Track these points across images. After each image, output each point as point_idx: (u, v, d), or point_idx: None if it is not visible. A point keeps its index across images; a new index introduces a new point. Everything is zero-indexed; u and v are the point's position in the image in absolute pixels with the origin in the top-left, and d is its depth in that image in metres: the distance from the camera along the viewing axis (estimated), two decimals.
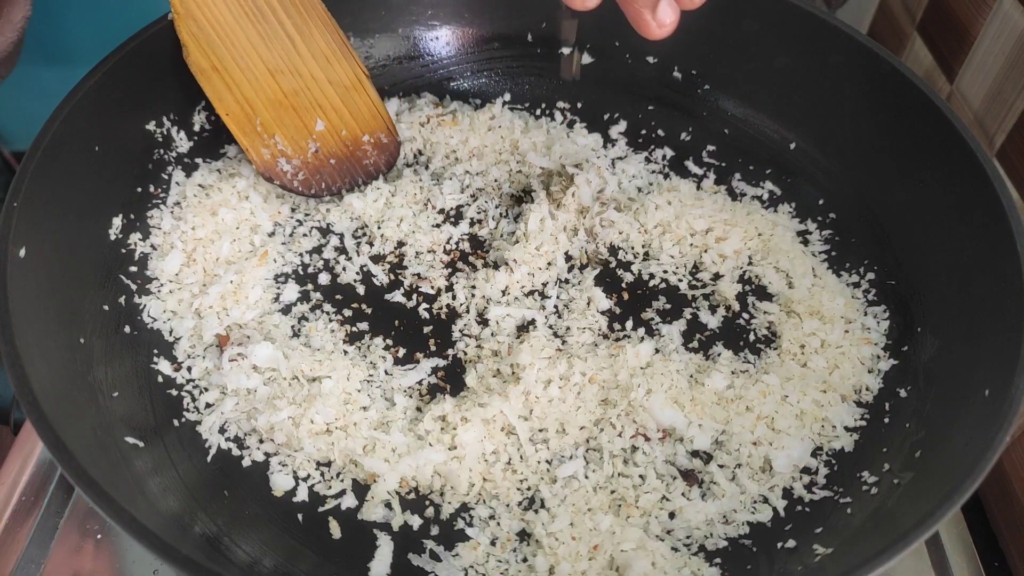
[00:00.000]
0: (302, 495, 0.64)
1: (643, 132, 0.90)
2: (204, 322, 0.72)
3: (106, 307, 0.70)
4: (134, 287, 0.73)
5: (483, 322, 0.75)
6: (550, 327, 0.74)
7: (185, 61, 0.73)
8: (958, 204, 0.71)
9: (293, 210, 0.82)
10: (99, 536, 0.67)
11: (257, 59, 0.75)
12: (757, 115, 0.89)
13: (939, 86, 0.89)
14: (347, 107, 0.80)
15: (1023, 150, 0.75)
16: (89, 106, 0.70)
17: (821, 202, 0.84)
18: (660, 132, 0.90)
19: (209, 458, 0.66)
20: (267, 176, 0.77)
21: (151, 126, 0.77)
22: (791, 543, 0.62)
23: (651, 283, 0.78)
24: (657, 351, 0.71)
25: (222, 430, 0.67)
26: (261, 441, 0.67)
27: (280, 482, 0.65)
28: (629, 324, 0.75)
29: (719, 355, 0.73)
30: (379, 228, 0.81)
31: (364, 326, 0.74)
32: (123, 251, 0.74)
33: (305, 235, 0.80)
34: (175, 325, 0.72)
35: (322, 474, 0.66)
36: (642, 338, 0.73)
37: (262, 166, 0.77)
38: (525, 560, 0.62)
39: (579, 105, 0.92)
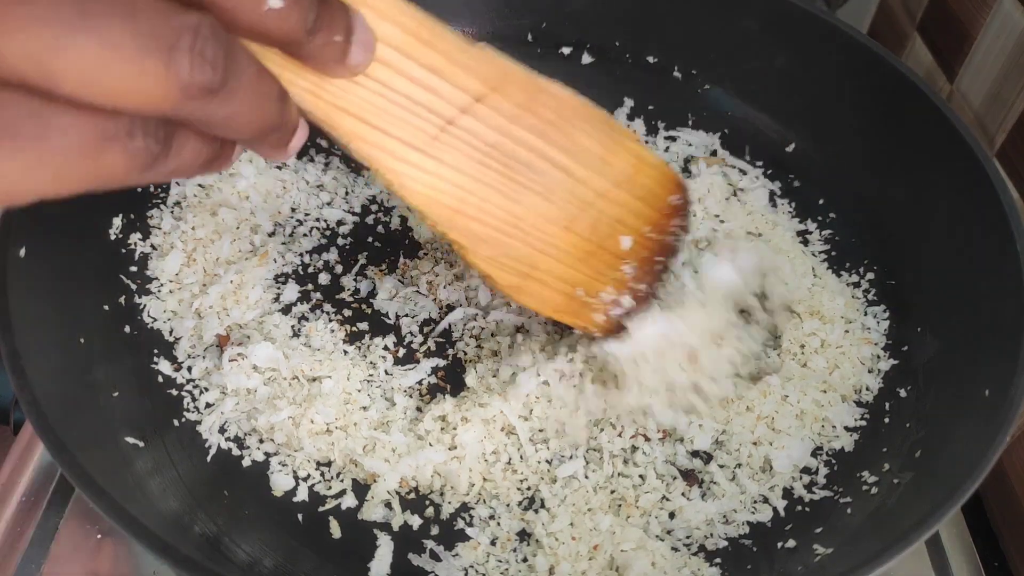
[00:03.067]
0: (302, 495, 0.64)
1: (644, 132, 0.90)
2: (204, 322, 0.72)
3: (106, 307, 0.70)
4: (134, 287, 0.73)
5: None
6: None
7: (491, 286, 0.58)
8: (958, 204, 0.71)
9: (293, 210, 0.82)
10: (99, 536, 0.67)
11: (549, 227, 0.58)
12: (757, 115, 0.89)
13: (939, 86, 0.89)
14: (640, 199, 0.62)
15: (1023, 150, 0.75)
16: None
17: (821, 202, 0.84)
18: (661, 132, 0.90)
19: (209, 458, 0.66)
20: (605, 335, 0.64)
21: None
22: (791, 543, 0.62)
23: None
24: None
25: (222, 430, 0.67)
26: (261, 441, 0.67)
27: (280, 482, 0.65)
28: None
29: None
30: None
31: (364, 326, 0.74)
32: (123, 251, 0.74)
33: (305, 235, 0.80)
34: (175, 325, 0.72)
35: (322, 474, 0.66)
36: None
37: (601, 332, 0.64)
38: (525, 560, 0.62)
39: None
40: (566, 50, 0.93)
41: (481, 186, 0.53)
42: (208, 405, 0.68)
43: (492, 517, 0.64)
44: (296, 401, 0.67)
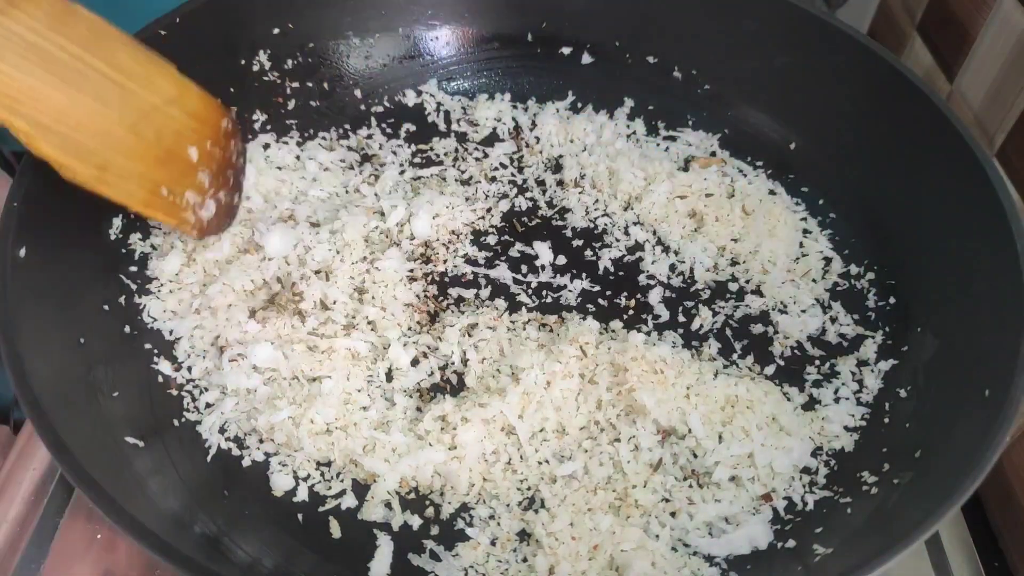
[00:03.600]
0: (302, 495, 0.65)
1: (644, 132, 0.90)
2: (204, 322, 0.72)
3: (106, 307, 0.70)
4: (134, 287, 0.73)
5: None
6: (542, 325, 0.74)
7: (69, 182, 0.63)
8: (958, 204, 0.71)
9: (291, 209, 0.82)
10: (99, 536, 0.67)
11: (113, 125, 0.66)
12: (757, 115, 0.89)
13: (939, 86, 0.89)
14: (193, 116, 0.73)
15: (1023, 150, 0.75)
16: None
17: (821, 202, 0.84)
18: (661, 132, 0.90)
19: (209, 458, 0.66)
20: (201, 236, 0.74)
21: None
22: (791, 543, 0.62)
23: (650, 281, 0.78)
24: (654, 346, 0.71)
25: (222, 430, 0.67)
26: (261, 441, 0.67)
27: (280, 482, 0.65)
28: (621, 325, 0.75)
29: (719, 354, 0.73)
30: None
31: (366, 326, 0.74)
32: (123, 251, 0.74)
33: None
34: (175, 325, 0.72)
35: (322, 474, 0.66)
36: (646, 338, 0.73)
37: (197, 231, 0.73)
38: (525, 560, 0.62)
39: (579, 105, 0.92)
40: (566, 50, 0.93)
41: (35, 81, 0.60)
42: (208, 405, 0.68)
43: (492, 517, 0.64)
44: (296, 401, 0.67)
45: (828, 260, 0.80)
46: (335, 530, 0.63)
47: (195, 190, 0.72)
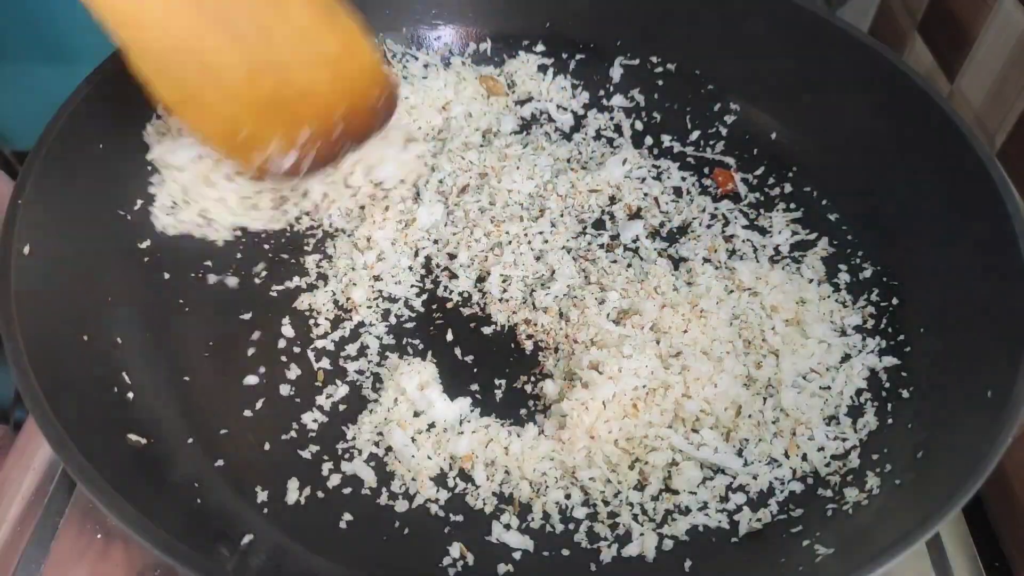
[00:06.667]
0: (314, 497, 0.64)
1: (645, 132, 0.91)
2: None
3: (110, 299, 0.70)
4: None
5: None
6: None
7: (150, 99, 0.63)
8: (960, 204, 0.71)
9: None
10: (99, 535, 0.67)
11: (231, 67, 0.64)
12: (759, 115, 0.89)
13: (939, 86, 0.89)
14: (338, 80, 0.69)
15: (1023, 150, 0.75)
16: (92, 105, 0.70)
17: (824, 202, 0.84)
18: (662, 132, 0.90)
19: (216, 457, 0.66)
20: (257, 179, 0.72)
21: (151, 127, 0.77)
22: (792, 543, 0.62)
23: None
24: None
25: None
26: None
27: (293, 484, 0.65)
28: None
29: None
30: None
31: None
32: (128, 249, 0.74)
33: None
34: None
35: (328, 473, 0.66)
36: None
37: (254, 174, 0.71)
38: None
39: (580, 105, 0.92)
40: (568, 50, 0.93)
41: (165, 3, 0.58)
42: None
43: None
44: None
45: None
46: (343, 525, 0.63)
47: (285, 141, 0.68)
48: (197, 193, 0.75)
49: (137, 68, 0.59)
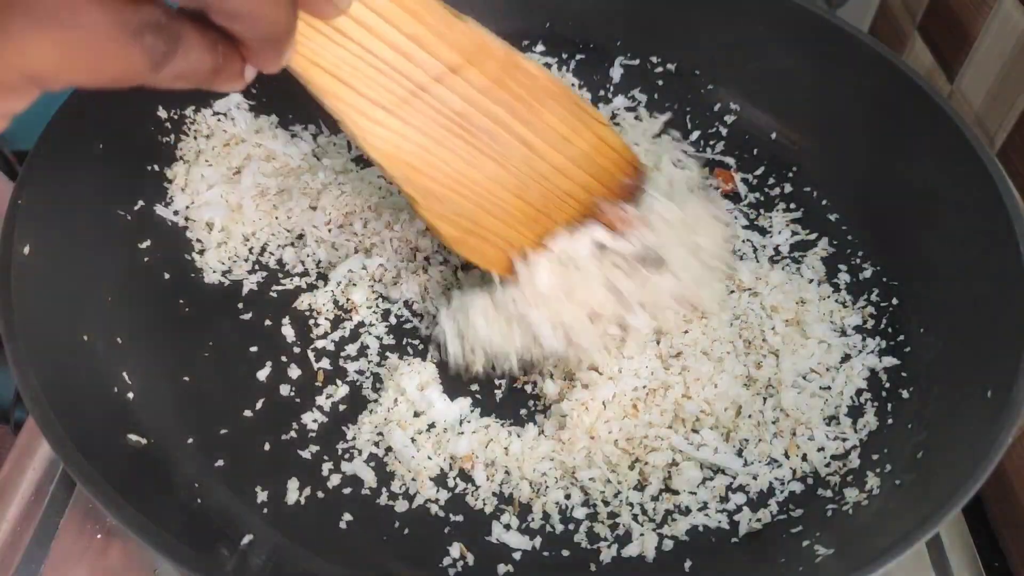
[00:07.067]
0: (314, 497, 0.64)
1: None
2: None
3: (110, 300, 0.70)
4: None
5: None
6: None
7: (437, 238, 0.63)
8: (960, 203, 0.71)
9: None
10: (99, 535, 0.67)
11: (501, 192, 0.62)
12: (759, 115, 0.89)
13: (939, 86, 0.89)
14: (595, 177, 0.67)
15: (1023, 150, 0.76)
16: (92, 105, 0.70)
17: (824, 203, 0.84)
18: (662, 132, 0.90)
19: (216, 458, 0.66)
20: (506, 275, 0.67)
21: (152, 127, 0.77)
22: (792, 543, 0.62)
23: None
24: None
25: None
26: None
27: (293, 484, 0.65)
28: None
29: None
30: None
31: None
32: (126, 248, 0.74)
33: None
34: None
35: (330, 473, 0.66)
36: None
37: (506, 272, 0.67)
38: None
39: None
40: (568, 50, 0.93)
41: (442, 149, 0.57)
42: None
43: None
44: None
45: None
46: (344, 526, 0.63)
47: (539, 249, 0.66)
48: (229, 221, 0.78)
49: (424, 217, 0.59)
